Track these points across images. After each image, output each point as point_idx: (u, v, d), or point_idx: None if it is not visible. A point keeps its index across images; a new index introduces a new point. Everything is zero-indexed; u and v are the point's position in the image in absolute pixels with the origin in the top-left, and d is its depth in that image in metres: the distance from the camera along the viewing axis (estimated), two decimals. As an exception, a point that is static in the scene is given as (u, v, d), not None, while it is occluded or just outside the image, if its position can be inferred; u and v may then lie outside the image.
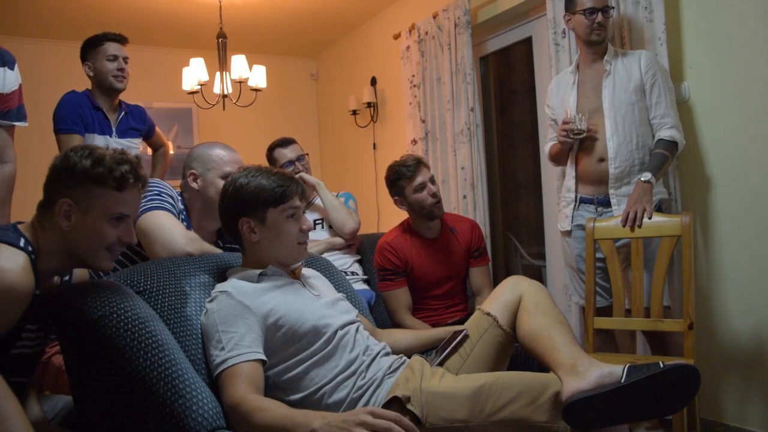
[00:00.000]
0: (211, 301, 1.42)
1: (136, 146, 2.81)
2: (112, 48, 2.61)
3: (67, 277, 1.42)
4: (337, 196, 2.73)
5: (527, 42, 3.31)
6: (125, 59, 2.65)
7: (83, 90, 2.67)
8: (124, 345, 1.20)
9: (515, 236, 3.80)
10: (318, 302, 1.51)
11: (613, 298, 2.14)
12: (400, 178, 2.33)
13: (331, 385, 1.37)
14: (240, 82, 3.89)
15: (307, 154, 2.81)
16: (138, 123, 2.82)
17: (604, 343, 2.30)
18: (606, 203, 2.27)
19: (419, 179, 2.30)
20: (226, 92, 4.00)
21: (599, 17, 2.25)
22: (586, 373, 1.25)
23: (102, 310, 1.22)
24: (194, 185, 1.80)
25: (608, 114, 2.24)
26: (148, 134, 2.95)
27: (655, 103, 2.21)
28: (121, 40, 2.66)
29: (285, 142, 2.77)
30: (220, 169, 1.79)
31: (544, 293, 1.55)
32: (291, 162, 2.70)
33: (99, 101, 2.64)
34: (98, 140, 2.60)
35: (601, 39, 2.29)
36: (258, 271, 1.49)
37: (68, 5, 3.89)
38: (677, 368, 1.21)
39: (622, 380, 1.21)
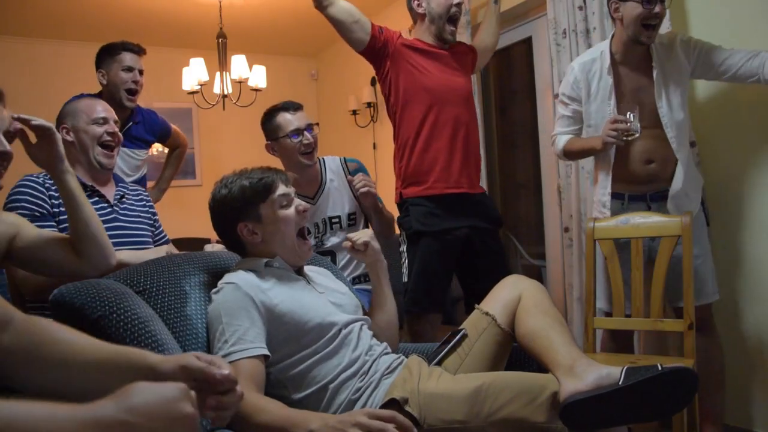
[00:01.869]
0: (217, 292, 1.42)
1: (139, 157, 2.68)
2: (128, 59, 2.53)
3: None
4: (346, 161, 2.44)
5: (527, 42, 3.31)
6: (140, 71, 2.56)
7: (95, 93, 2.55)
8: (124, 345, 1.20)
9: (515, 236, 3.79)
10: (323, 299, 1.51)
11: (613, 298, 2.14)
12: None
13: (336, 383, 1.37)
14: (240, 82, 3.90)
15: (317, 124, 2.36)
16: (147, 133, 2.72)
17: (623, 346, 2.22)
18: (659, 198, 2.11)
19: None
20: (226, 92, 4.00)
21: (657, 7, 1.95)
22: (583, 374, 1.25)
23: (102, 310, 1.22)
24: (68, 137, 1.82)
25: (671, 133, 2.03)
26: (163, 139, 2.85)
27: (729, 55, 1.99)
28: (138, 51, 2.58)
29: (290, 106, 2.31)
30: (90, 115, 1.82)
31: (543, 293, 1.55)
32: (298, 132, 2.25)
33: None
34: None
35: (651, 41, 2.02)
36: (264, 260, 1.49)
37: (68, 5, 3.89)
38: (675, 371, 1.21)
39: (620, 382, 1.21)
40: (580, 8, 2.61)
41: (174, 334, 1.35)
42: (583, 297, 2.51)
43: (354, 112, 4.65)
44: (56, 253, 1.46)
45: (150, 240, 1.93)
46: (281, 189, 1.51)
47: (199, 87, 3.85)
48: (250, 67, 3.94)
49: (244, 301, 1.37)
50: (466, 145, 2.33)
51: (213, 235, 3.97)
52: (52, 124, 1.42)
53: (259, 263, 1.48)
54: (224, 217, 1.52)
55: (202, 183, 4.96)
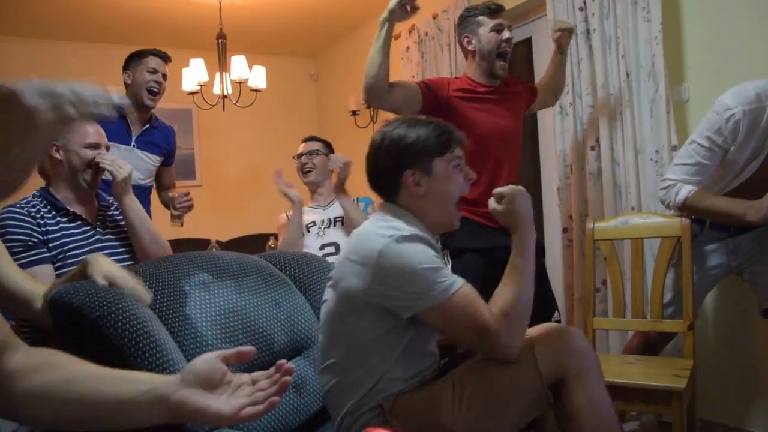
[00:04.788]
0: (400, 242, 1.28)
1: (151, 162, 2.67)
2: (153, 62, 2.69)
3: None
4: (357, 200, 2.83)
5: (527, 43, 3.31)
6: (164, 76, 2.71)
7: None
8: (122, 345, 1.20)
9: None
10: None
11: (613, 299, 2.14)
12: (482, 13, 2.26)
13: (385, 381, 1.32)
14: (240, 83, 3.90)
15: (319, 152, 2.97)
16: (162, 141, 2.73)
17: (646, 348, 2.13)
18: (745, 230, 1.94)
19: (500, 20, 2.24)
20: (225, 93, 4.00)
21: None
22: None
23: (100, 311, 1.22)
24: (56, 155, 1.82)
25: None
26: (169, 157, 2.83)
27: None
28: (164, 57, 2.77)
29: (308, 138, 3.01)
30: (83, 138, 1.83)
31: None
32: (300, 155, 2.92)
33: (126, 109, 2.55)
34: (113, 150, 2.27)
35: None
36: (437, 239, 1.41)
37: (68, 6, 3.89)
38: None
39: None
40: (581, 9, 2.61)
41: (172, 335, 1.35)
42: (583, 298, 2.51)
43: (354, 113, 4.64)
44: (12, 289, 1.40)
45: (133, 260, 1.91)
46: (458, 151, 1.42)
47: (199, 87, 3.85)
48: (250, 68, 3.93)
49: (437, 260, 1.31)
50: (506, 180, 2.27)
51: (214, 235, 3.93)
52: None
53: (433, 242, 1.36)
54: (393, 159, 1.40)
55: (202, 183, 4.96)
